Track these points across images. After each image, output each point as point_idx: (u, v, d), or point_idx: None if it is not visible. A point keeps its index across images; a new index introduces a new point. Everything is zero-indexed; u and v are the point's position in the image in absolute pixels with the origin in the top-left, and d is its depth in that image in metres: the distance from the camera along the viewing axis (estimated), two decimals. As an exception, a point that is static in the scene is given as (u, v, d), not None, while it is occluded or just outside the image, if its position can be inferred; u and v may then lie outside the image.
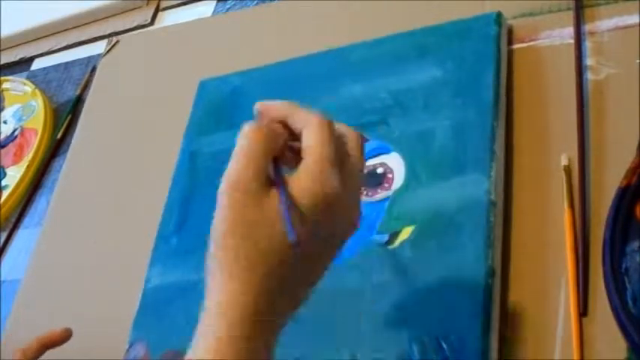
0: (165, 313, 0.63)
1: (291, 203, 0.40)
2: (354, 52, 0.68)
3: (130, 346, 0.63)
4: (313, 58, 0.71)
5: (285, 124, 0.43)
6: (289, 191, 0.40)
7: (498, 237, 0.53)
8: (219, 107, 0.73)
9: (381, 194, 0.59)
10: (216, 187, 0.69)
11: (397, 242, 0.56)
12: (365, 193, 0.60)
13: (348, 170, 0.42)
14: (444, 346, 0.50)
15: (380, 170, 0.60)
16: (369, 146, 0.61)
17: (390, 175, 0.60)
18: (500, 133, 0.57)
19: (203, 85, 0.76)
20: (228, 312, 0.39)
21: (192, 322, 0.60)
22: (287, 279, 0.41)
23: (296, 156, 0.42)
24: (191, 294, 0.63)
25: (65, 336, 0.62)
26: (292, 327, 0.48)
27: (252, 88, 0.72)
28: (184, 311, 0.62)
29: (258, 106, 0.44)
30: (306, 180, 0.40)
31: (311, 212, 0.40)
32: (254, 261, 0.40)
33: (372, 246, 0.57)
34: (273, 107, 0.43)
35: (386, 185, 0.59)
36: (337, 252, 0.43)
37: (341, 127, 0.44)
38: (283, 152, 0.42)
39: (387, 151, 0.61)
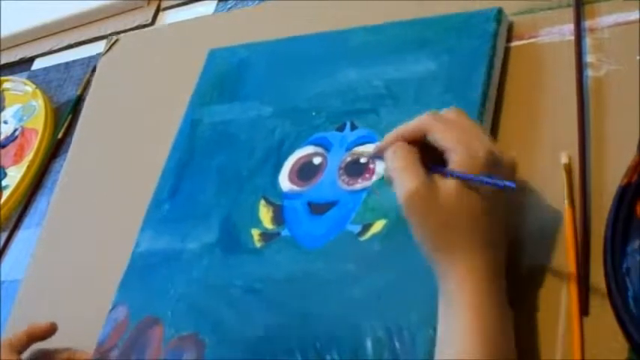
0: (149, 280, 0.64)
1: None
2: (353, 35, 0.68)
3: (113, 308, 0.64)
4: (316, 37, 0.71)
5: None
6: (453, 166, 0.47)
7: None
8: (224, 78, 0.73)
9: (361, 184, 0.59)
10: (213, 159, 0.68)
11: (368, 234, 0.56)
12: (345, 181, 0.59)
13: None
14: (396, 343, 0.50)
15: (363, 160, 0.60)
16: (354, 135, 0.62)
17: (372, 166, 0.59)
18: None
19: (212, 54, 0.76)
20: (470, 287, 0.46)
21: (173, 290, 0.61)
22: (488, 232, 0.48)
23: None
24: (175, 263, 0.63)
25: (51, 329, 0.66)
26: (257, 306, 0.54)
27: (258, 61, 0.72)
28: (168, 279, 0.62)
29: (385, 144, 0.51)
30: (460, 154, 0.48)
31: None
32: (463, 240, 0.47)
33: (345, 236, 0.57)
34: (407, 130, 0.51)
35: (367, 176, 0.59)
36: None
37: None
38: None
39: (372, 141, 0.60)
